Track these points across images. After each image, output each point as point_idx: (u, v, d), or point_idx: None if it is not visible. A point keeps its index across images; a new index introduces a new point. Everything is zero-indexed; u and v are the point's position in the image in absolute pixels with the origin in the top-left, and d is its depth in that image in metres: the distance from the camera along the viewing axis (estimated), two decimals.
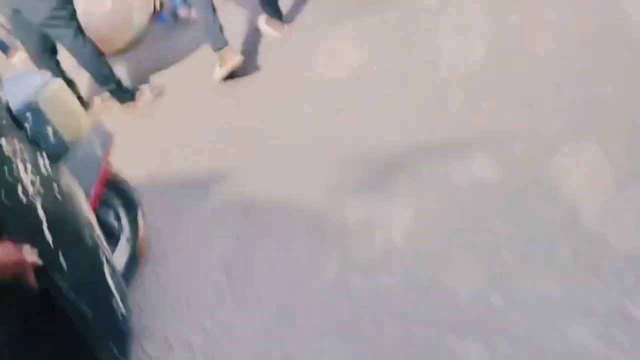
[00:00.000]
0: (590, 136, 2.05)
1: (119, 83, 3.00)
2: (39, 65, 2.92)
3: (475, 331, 1.60)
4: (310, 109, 2.66)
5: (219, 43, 2.90)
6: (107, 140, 1.95)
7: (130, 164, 2.67)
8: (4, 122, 1.07)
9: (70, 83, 3.05)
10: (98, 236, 1.41)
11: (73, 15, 2.73)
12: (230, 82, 3.03)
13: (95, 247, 1.35)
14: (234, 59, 2.92)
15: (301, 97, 2.75)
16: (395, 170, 2.19)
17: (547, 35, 2.58)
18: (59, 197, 1.19)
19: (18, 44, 3.76)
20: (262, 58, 3.15)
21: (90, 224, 1.35)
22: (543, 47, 2.53)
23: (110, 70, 2.96)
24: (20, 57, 3.87)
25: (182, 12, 4.55)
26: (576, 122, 2.12)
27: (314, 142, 2.46)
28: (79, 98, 3.11)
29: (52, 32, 2.76)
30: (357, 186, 2.18)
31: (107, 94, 3.13)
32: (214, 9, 2.85)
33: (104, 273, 1.39)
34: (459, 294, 1.70)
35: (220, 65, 2.92)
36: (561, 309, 1.58)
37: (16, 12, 2.70)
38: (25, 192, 1.03)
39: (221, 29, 2.89)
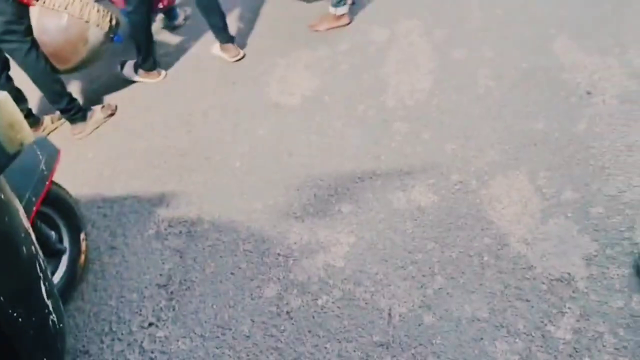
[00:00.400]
0: (521, 168, 2.19)
1: (70, 101, 2.96)
2: None
3: (406, 348, 1.66)
4: (261, 133, 2.71)
5: (224, 39, 3.31)
6: (52, 157, 1.92)
7: (76, 183, 2.66)
8: None
9: (21, 99, 3.01)
10: (35, 250, 1.40)
11: (28, 30, 2.69)
12: (182, 106, 3.06)
13: (32, 260, 1.34)
14: (236, 52, 3.33)
15: (252, 122, 2.80)
16: (340, 196, 2.26)
17: (487, 72, 2.74)
18: None
19: None
20: (215, 82, 3.20)
21: (27, 238, 1.34)
22: (483, 83, 2.69)
23: (63, 87, 2.93)
24: None
25: (178, 21, 4.60)
26: (509, 155, 2.26)
27: (261, 166, 2.51)
28: (30, 114, 3.07)
29: (4, 47, 2.70)
30: (302, 210, 2.24)
31: (57, 113, 3.10)
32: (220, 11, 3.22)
33: (39, 288, 1.38)
34: (394, 314, 1.77)
35: (222, 50, 3.36)
36: (488, 329, 1.67)
37: None
38: None
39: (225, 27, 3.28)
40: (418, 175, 2.27)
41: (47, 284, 1.41)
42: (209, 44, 3.57)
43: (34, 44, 2.72)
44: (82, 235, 2.20)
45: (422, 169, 2.29)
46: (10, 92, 3.01)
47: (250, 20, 3.72)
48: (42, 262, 1.43)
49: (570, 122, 2.33)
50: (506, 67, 2.74)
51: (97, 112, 3.09)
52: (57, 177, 2.05)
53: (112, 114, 3.14)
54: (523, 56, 2.79)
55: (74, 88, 3.47)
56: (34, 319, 1.30)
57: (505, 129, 2.40)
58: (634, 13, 2.86)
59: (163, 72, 3.38)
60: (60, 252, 2.09)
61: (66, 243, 2.13)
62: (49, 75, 2.84)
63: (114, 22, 2.83)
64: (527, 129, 2.37)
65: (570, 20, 2.96)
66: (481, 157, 2.29)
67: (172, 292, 2.04)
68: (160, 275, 2.12)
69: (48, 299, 1.40)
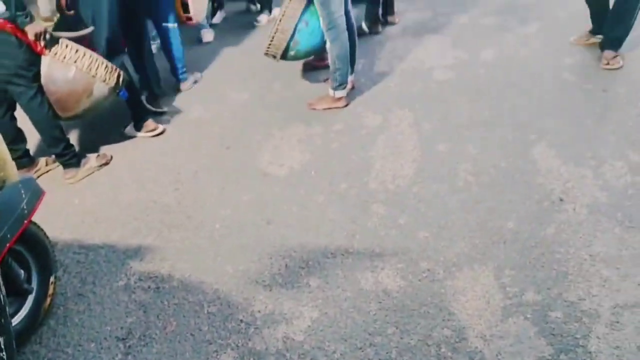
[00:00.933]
0: (488, 264, 2.25)
1: (67, 147, 3.05)
2: None
3: None
4: (245, 199, 2.79)
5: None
6: (35, 197, 1.98)
7: (57, 226, 2.71)
8: None
9: (20, 139, 3.11)
10: None
11: (36, 77, 2.82)
12: (174, 163, 3.16)
13: None
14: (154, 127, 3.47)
15: (238, 187, 2.89)
16: (310, 269, 2.31)
17: (468, 167, 2.86)
18: None
19: None
20: (210, 145, 3.32)
21: None
22: (462, 177, 2.80)
23: (62, 133, 3.04)
24: None
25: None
26: (478, 249, 2.33)
27: (239, 231, 2.57)
28: (26, 155, 3.17)
29: (11, 89, 2.83)
30: (271, 279, 2.27)
31: (53, 157, 3.19)
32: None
33: None
34: None
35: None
36: None
37: None
38: None
39: None
40: (388, 259, 2.33)
41: (2, 320, 1.43)
42: (211, 106, 3.74)
43: (40, 90, 2.86)
44: (52, 279, 2.22)
45: (394, 253, 2.35)
46: (11, 131, 3.15)
47: (259, 94, 3.90)
48: (2, 299, 1.46)
49: (540, 226, 2.42)
50: (486, 165, 2.87)
51: (91, 160, 3.19)
52: (38, 218, 2.11)
53: (106, 164, 3.23)
54: (503, 157, 2.92)
55: (73, 134, 3.59)
56: None
57: (478, 223, 2.48)
58: (612, 131, 3.03)
59: (160, 127, 3.51)
60: (27, 292, 2.10)
61: (34, 284, 2.14)
62: (49, 121, 2.95)
63: (121, 79, 2.99)
64: (499, 226, 2.45)
65: (552, 129, 3.12)
66: (451, 247, 2.35)
67: (129, 347, 2.04)
68: (121, 328, 2.12)
69: (1, 335, 1.42)
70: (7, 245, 1.79)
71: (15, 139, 3.09)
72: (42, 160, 3.26)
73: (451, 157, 2.98)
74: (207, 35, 4.89)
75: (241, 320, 2.09)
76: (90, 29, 3.07)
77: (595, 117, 3.18)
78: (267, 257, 2.39)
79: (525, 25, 4.54)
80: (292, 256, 2.38)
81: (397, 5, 5.00)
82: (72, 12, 3.21)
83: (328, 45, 3.40)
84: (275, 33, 3.44)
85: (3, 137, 2.98)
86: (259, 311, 2.12)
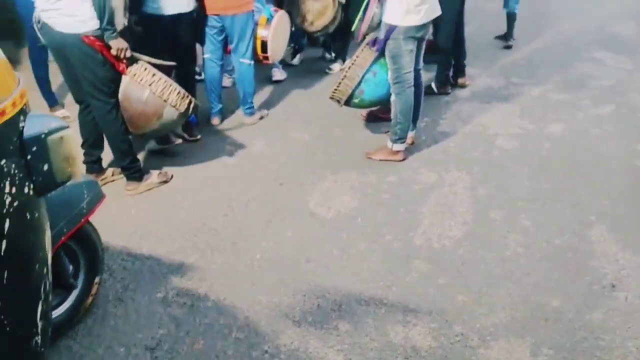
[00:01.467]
0: (525, 339, 2.17)
1: (133, 161, 3.23)
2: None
3: None
4: (289, 235, 2.84)
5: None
6: (96, 198, 2.12)
7: (111, 231, 2.83)
8: (12, 147, 1.28)
9: (99, 145, 3.31)
10: (46, 272, 1.53)
11: (114, 93, 3.03)
12: (229, 191, 3.27)
13: (39, 279, 1.47)
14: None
15: (284, 222, 2.95)
16: (341, 313, 2.30)
17: (518, 239, 2.80)
18: (27, 223, 1.35)
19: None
20: (265, 179, 3.41)
21: (43, 259, 1.48)
22: (512, 247, 2.73)
23: (130, 147, 3.22)
24: (62, 114, 4.23)
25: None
26: (517, 322, 2.25)
27: (279, 264, 2.61)
28: (99, 161, 3.37)
29: (90, 101, 3.06)
30: (301, 316, 2.28)
31: (119, 169, 3.38)
32: None
33: (36, 306, 1.48)
34: None
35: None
36: None
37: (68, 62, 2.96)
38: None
39: None
40: (422, 316, 2.28)
41: (44, 306, 1.52)
42: (272, 142, 3.87)
43: (116, 105, 3.06)
44: (97, 279, 2.32)
45: (428, 311, 2.31)
46: (93, 135, 3.37)
47: (319, 136, 4.01)
48: (47, 286, 1.55)
49: (587, 309, 2.31)
50: (538, 239, 2.79)
51: (153, 176, 3.35)
52: (95, 220, 2.24)
53: (165, 182, 3.39)
54: (558, 234, 2.83)
55: (141, 151, 3.79)
56: (19, 332, 1.40)
57: (520, 296, 2.40)
58: None
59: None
60: (72, 287, 2.21)
61: (80, 281, 2.25)
62: (121, 135, 3.14)
63: (192, 105, 3.16)
64: (543, 302, 2.36)
65: (614, 213, 3.01)
66: (489, 316, 2.29)
67: (156, 357, 2.09)
68: (152, 338, 2.18)
69: (40, 320, 1.50)
70: (63, 238, 1.91)
71: (95, 144, 3.31)
72: (109, 170, 3.45)
73: (503, 225, 2.92)
74: (277, 74, 5.10)
75: (266, 351, 2.10)
76: (172, 63, 3.31)
77: None
78: (301, 294, 2.40)
79: (598, 106, 4.45)
80: (325, 297, 2.39)
81: (470, 70, 5.05)
82: (139, 28, 3.47)
83: (393, 98, 3.47)
84: (342, 79, 3.56)
85: (86, 139, 3.25)
86: (285, 345, 2.12)
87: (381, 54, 3.44)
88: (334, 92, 3.64)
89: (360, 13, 3.53)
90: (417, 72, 3.50)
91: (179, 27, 3.58)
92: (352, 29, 3.84)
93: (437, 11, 3.37)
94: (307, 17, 4.62)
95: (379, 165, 3.56)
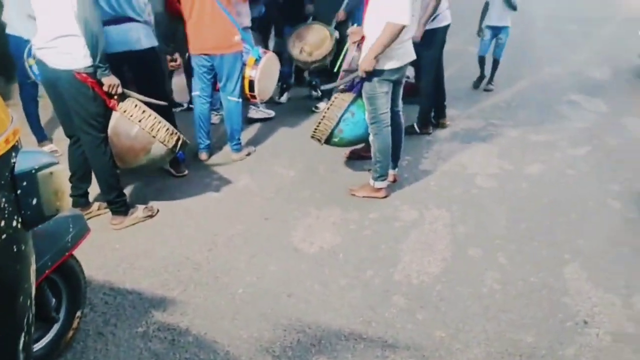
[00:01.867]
0: None
1: (119, 195, 3.27)
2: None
3: None
4: (271, 269, 2.88)
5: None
6: (81, 232, 2.16)
7: (94, 265, 2.87)
8: (3, 182, 1.34)
9: (86, 179, 3.36)
10: (30, 305, 1.56)
11: (104, 128, 3.10)
12: (214, 226, 3.32)
13: (23, 311, 1.49)
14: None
15: (267, 257, 2.99)
16: (320, 348, 2.33)
17: (495, 276, 2.87)
18: (14, 255, 1.40)
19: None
20: (251, 214, 3.47)
21: (27, 291, 1.52)
22: (488, 284, 2.80)
23: (117, 182, 3.26)
24: (51, 148, 4.29)
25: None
26: (492, 357, 2.30)
27: (260, 298, 2.64)
28: (85, 195, 3.41)
29: (80, 135, 3.12)
30: (281, 351, 2.30)
31: (104, 203, 3.42)
32: None
33: (18, 338, 1.51)
34: None
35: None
36: None
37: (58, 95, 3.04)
38: None
39: None
40: (400, 352, 2.32)
41: (27, 338, 1.54)
42: (258, 178, 3.95)
43: (106, 140, 3.13)
44: (79, 313, 2.34)
45: (406, 347, 2.35)
46: (82, 169, 3.43)
47: (304, 173, 4.11)
48: (31, 318, 1.58)
49: (560, 345, 2.37)
50: (515, 277, 2.86)
51: (138, 211, 3.40)
52: (79, 253, 2.27)
53: (151, 216, 3.43)
54: (534, 271, 2.91)
55: (127, 184, 3.84)
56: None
57: (496, 332, 2.45)
58: None
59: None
60: (53, 321, 2.22)
61: (62, 314, 2.27)
62: (109, 169, 3.19)
63: (180, 142, 3.24)
64: (517, 339, 2.41)
65: (588, 252, 3.10)
66: (465, 352, 2.33)
67: None
68: None
69: (22, 351, 1.52)
70: (46, 272, 1.94)
71: (83, 177, 3.37)
72: (95, 205, 3.49)
73: (481, 263, 2.99)
74: (253, 112, 5.21)
75: None
76: (163, 103, 3.38)
77: (633, 247, 3.15)
78: (281, 328, 2.44)
79: (575, 147, 4.62)
80: (305, 332, 2.42)
81: (451, 111, 5.22)
82: None
83: (371, 137, 3.59)
84: (322, 119, 3.70)
85: (75, 172, 3.30)
86: None
87: (358, 95, 3.58)
88: (314, 132, 3.76)
89: (342, 56, 3.69)
90: (396, 113, 3.63)
91: (136, 64, 3.48)
92: (334, 70, 4.00)
93: (412, 55, 3.50)
94: (305, 48, 4.79)
95: (362, 202, 3.65)
